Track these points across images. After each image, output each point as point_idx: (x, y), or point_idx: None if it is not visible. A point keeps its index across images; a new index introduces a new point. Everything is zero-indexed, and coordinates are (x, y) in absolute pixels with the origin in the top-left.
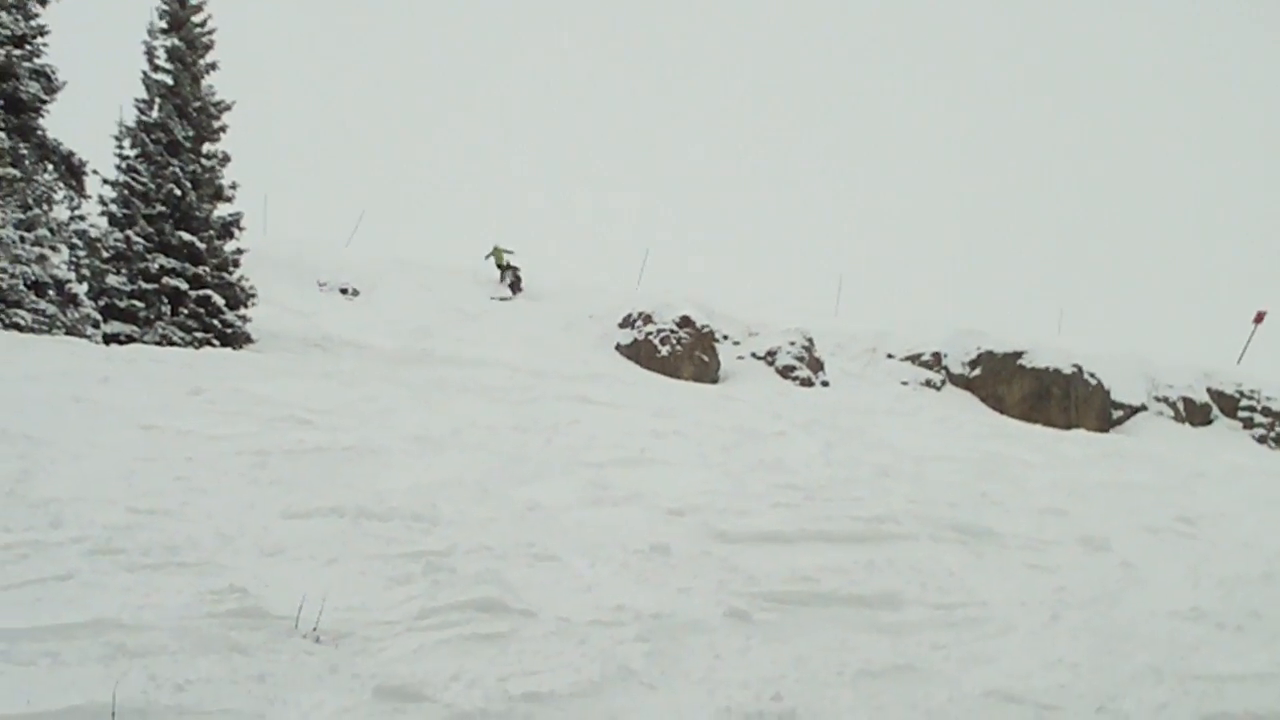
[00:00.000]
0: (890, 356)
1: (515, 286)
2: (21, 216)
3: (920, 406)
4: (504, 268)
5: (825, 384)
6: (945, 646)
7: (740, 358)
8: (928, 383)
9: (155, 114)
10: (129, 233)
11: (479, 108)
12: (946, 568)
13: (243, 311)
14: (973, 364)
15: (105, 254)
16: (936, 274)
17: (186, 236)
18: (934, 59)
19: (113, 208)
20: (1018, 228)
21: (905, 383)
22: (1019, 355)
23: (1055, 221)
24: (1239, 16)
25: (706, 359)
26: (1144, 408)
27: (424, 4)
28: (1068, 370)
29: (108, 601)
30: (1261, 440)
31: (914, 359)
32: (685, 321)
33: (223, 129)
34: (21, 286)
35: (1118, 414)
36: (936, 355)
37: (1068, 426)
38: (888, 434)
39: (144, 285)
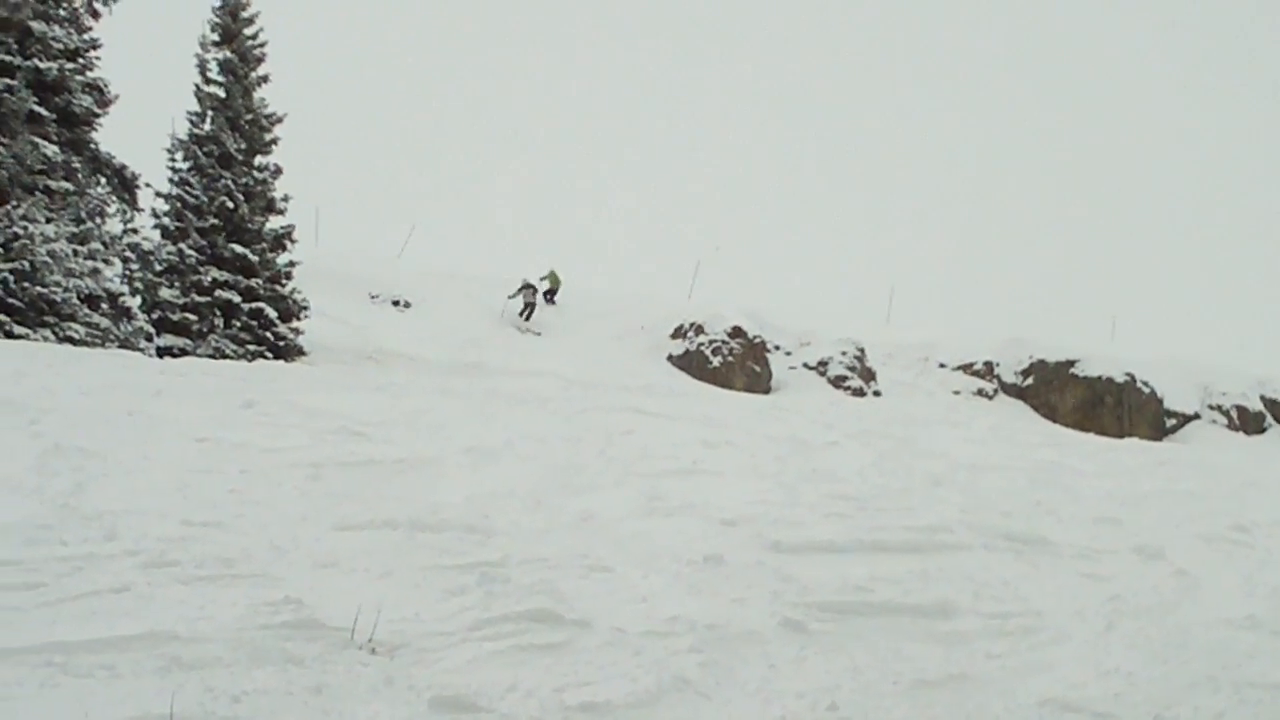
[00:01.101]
0: (942, 366)
1: (526, 311)
2: (74, 230)
3: (973, 416)
4: (549, 292)
5: (877, 394)
6: (1000, 656)
7: (792, 368)
8: (980, 392)
9: (207, 126)
10: (182, 245)
11: (522, 120)
12: (1000, 577)
13: (295, 324)
14: (1025, 373)
15: (158, 267)
16: (986, 282)
17: (239, 249)
18: (959, 67)
19: (165, 220)
20: (1061, 234)
21: (957, 392)
22: (1071, 364)
23: (1097, 227)
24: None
25: (758, 369)
26: (1197, 416)
27: (463, 17)
28: (1120, 379)
29: (163, 614)
30: None
31: (966, 368)
32: (737, 332)
33: (274, 141)
34: (75, 300)
35: (1171, 422)
36: (988, 364)
37: (1120, 435)
38: (940, 443)
39: (197, 298)
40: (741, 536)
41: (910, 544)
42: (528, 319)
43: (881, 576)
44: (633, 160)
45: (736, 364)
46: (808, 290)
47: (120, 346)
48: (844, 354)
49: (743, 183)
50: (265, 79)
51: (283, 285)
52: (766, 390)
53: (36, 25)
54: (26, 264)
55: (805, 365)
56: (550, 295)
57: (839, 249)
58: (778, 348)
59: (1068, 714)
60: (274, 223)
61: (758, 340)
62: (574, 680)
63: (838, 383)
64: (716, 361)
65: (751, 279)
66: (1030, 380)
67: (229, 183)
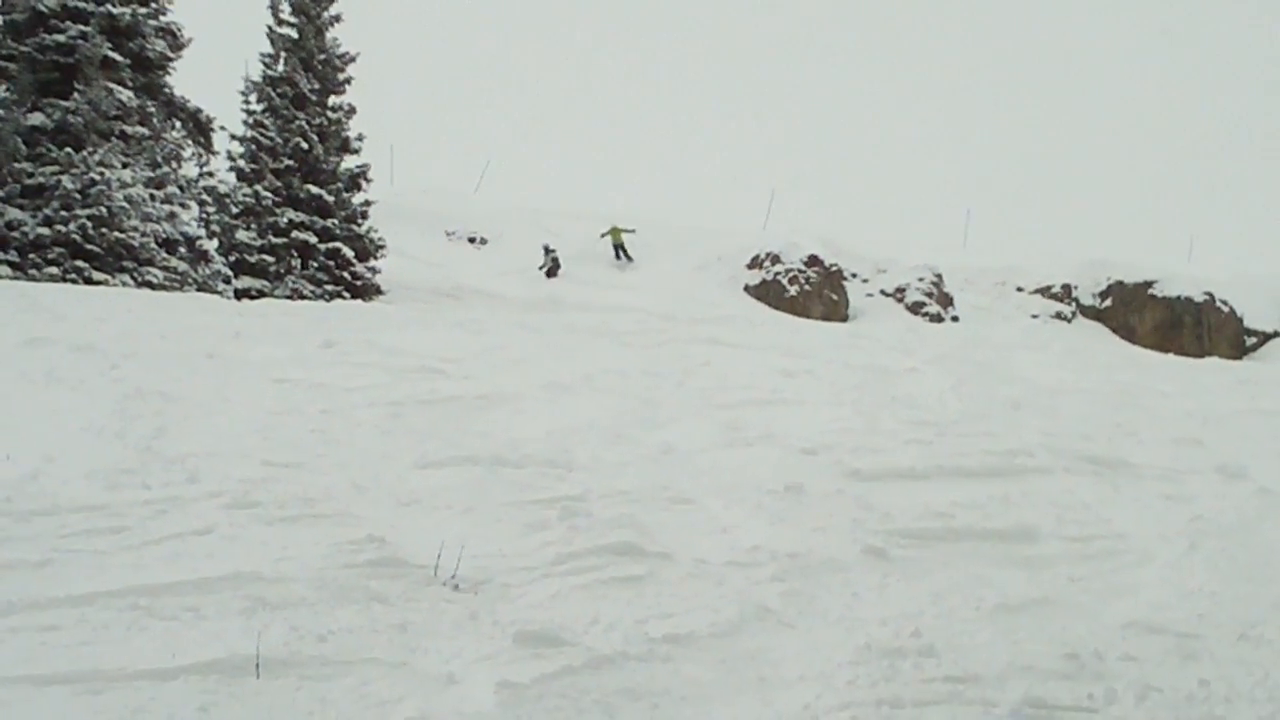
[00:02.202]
0: (1020, 290)
1: (552, 272)
2: (151, 174)
3: (1051, 339)
4: (619, 247)
5: (955, 319)
6: (1083, 579)
7: (869, 295)
8: (1058, 315)
9: (280, 68)
10: (257, 188)
11: (593, 51)
12: (1082, 500)
13: (372, 263)
14: (1103, 295)
15: (234, 209)
16: (1063, 204)
17: (314, 190)
18: None
19: (241, 163)
20: (1138, 151)
21: (1035, 315)
22: (1149, 285)
23: (1174, 144)
24: None
25: (835, 297)
26: (1278, 334)
27: None
28: (1199, 298)
29: (247, 554)
30: None
31: (1043, 291)
32: (813, 261)
33: (347, 81)
34: (153, 244)
35: (1251, 341)
36: (1066, 287)
37: (1200, 355)
38: (1019, 367)
39: (273, 240)
40: (822, 465)
41: (991, 469)
42: (551, 274)
43: (962, 502)
44: (704, 92)
45: (814, 292)
46: (884, 217)
47: (198, 290)
48: (921, 280)
49: (814, 110)
50: (337, 19)
51: (359, 225)
52: (844, 318)
53: None
54: (104, 210)
55: (883, 292)
56: (620, 251)
57: (914, 174)
58: (854, 275)
59: (1152, 636)
60: (349, 162)
61: (834, 268)
62: (657, 612)
63: (915, 309)
64: (793, 291)
65: (826, 207)
66: (1108, 302)
67: (303, 123)
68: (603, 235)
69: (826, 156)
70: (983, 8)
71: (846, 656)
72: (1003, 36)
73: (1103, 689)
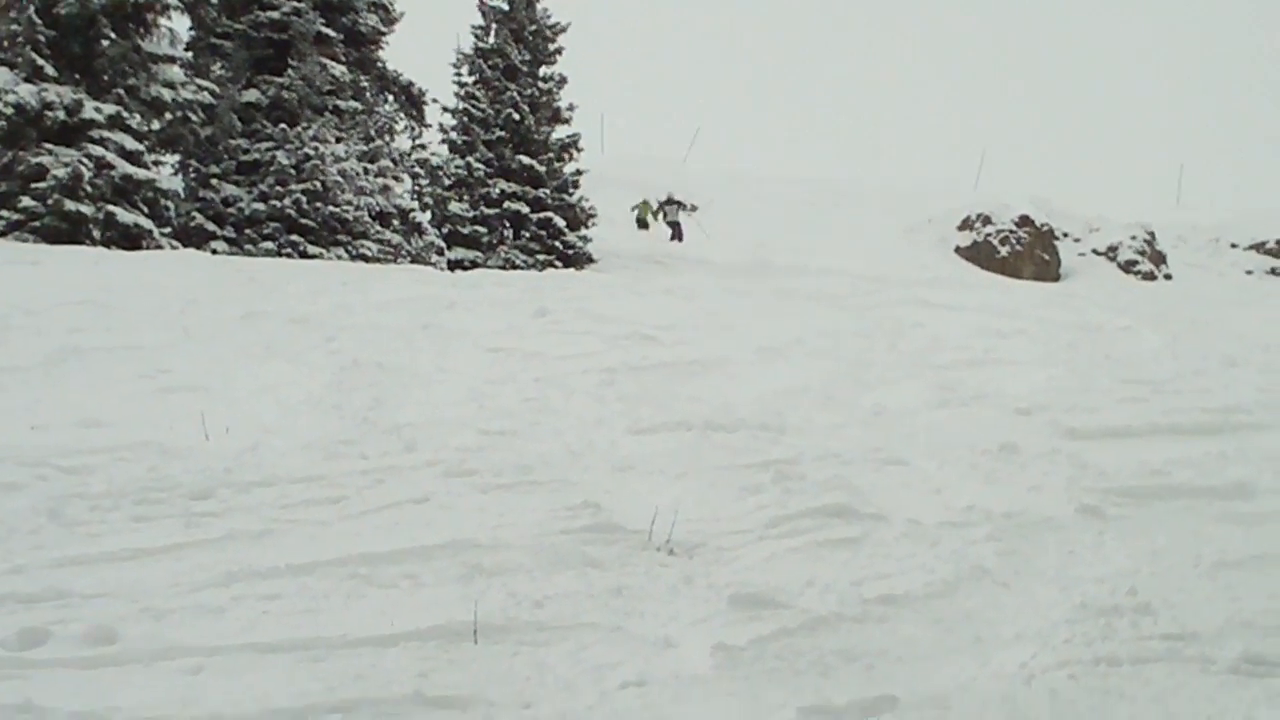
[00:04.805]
0: (1234, 246)
1: (677, 234)
2: (364, 149)
3: (1267, 294)
4: (644, 223)
5: (1168, 277)
6: None
7: (1081, 255)
8: (1273, 270)
9: (492, 40)
10: (469, 159)
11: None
12: None
13: (583, 232)
14: None
15: (447, 181)
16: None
17: (526, 160)
18: None
19: (453, 135)
20: None
21: (1249, 272)
22: None
23: None
24: None
25: (1047, 257)
26: None
27: None
28: None
29: (463, 522)
30: None
31: (1258, 247)
32: (1024, 221)
33: (558, 51)
34: (366, 218)
35: None
36: None
37: None
38: (1234, 324)
39: (486, 211)
40: (1035, 424)
41: (1207, 425)
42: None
43: (1178, 459)
44: (905, 51)
45: (1025, 253)
46: (1095, 174)
47: (412, 261)
48: (1133, 238)
49: (1016, 66)
50: None
51: (570, 194)
52: (1056, 278)
53: None
54: (319, 184)
55: (1094, 251)
56: (675, 233)
57: (1125, 128)
58: (1066, 235)
59: None
60: (560, 132)
61: (1045, 228)
62: (871, 573)
63: (1127, 268)
64: (1004, 251)
65: (1037, 165)
66: None
67: (514, 94)
68: (633, 209)
69: (1031, 113)
70: None
71: (1063, 615)
72: None
73: None
